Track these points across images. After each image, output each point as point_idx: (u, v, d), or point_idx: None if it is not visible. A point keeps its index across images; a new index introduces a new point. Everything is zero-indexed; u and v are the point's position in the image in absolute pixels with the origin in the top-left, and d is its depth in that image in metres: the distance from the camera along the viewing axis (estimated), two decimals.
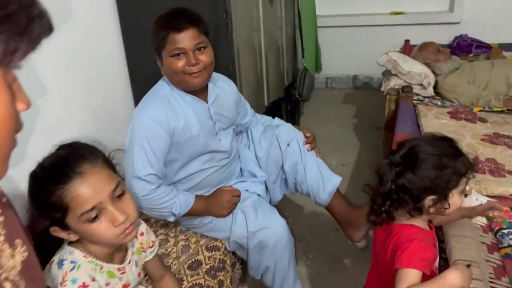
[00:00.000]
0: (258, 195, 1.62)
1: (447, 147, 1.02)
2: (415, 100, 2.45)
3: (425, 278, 1.03)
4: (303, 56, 2.87)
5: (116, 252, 0.97)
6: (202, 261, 1.42)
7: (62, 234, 0.86)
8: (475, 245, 1.19)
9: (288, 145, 1.66)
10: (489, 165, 1.66)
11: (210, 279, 1.37)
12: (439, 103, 2.46)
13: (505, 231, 1.25)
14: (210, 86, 1.49)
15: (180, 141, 1.40)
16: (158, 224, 1.64)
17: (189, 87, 1.40)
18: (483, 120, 2.11)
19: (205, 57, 1.36)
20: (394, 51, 2.74)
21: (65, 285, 0.85)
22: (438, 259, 1.10)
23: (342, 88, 4.49)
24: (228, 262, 1.50)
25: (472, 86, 2.49)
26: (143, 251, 1.08)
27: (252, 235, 1.45)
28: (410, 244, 1.01)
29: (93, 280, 0.89)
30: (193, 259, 1.42)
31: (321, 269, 2.02)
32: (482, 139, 1.89)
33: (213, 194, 1.53)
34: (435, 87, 2.60)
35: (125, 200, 0.89)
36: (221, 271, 1.44)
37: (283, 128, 1.71)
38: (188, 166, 1.49)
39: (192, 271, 1.37)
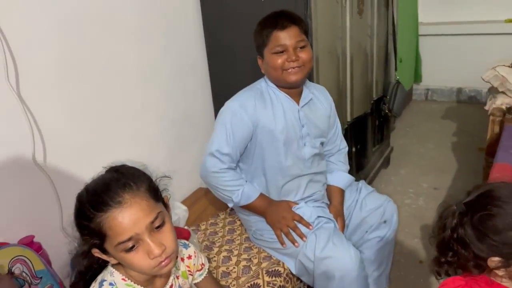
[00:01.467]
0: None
1: None
2: None
3: None
4: (396, 68, 2.67)
5: (157, 276, 0.96)
6: (261, 285, 1.36)
7: (103, 256, 0.88)
8: None
9: (385, 222, 1.60)
10: None
11: None
12: None
13: None
14: (305, 90, 1.53)
15: (264, 132, 1.45)
16: (224, 239, 1.63)
17: (286, 83, 1.44)
18: None
19: (305, 55, 1.41)
20: (504, 65, 2.42)
21: None
22: None
23: (444, 102, 4.14)
24: None
25: None
26: (190, 274, 1.06)
27: (319, 261, 1.37)
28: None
29: None
30: (252, 282, 1.37)
31: None
32: None
33: (278, 202, 1.52)
34: None
35: (164, 231, 0.87)
36: None
37: (391, 204, 1.64)
38: (269, 167, 1.50)
39: None
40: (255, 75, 1.56)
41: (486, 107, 2.38)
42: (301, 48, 1.40)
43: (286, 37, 1.38)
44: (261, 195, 1.50)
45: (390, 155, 2.99)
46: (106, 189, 0.82)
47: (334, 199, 1.61)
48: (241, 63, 1.89)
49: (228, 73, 1.97)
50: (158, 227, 0.86)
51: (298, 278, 1.51)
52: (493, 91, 2.44)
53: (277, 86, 1.48)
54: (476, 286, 0.87)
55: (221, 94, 2.02)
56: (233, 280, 1.39)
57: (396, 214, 1.64)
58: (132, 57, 1.66)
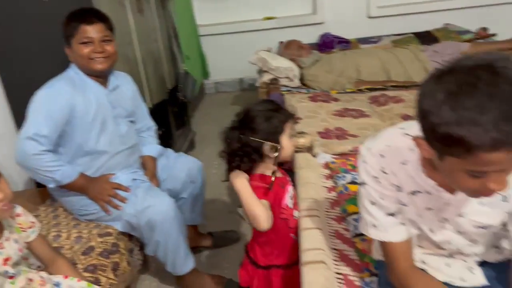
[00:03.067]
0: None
1: (270, 104, 1.33)
2: (285, 91, 2.79)
3: (275, 208, 1.30)
4: (183, 61, 3.08)
5: None
6: (94, 246, 1.54)
7: None
8: (317, 189, 1.49)
9: (192, 181, 1.97)
10: (337, 132, 2.02)
11: (104, 259, 1.50)
12: (305, 91, 2.83)
13: (340, 175, 1.58)
14: (111, 78, 1.74)
15: (79, 116, 1.60)
16: (50, 225, 1.72)
17: (93, 71, 1.64)
18: (336, 100, 2.51)
19: (110, 48, 1.65)
20: (263, 50, 3.08)
21: None
22: (289, 199, 1.37)
23: (231, 91, 4.79)
24: (122, 245, 1.63)
25: (330, 74, 2.90)
26: (22, 230, 1.20)
27: (141, 213, 1.62)
28: None
29: None
30: (86, 246, 1.54)
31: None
32: (333, 114, 2.27)
33: (97, 178, 1.69)
34: (301, 79, 2.98)
35: (1, 182, 1.03)
36: (115, 254, 1.57)
37: (197, 165, 2.02)
38: (90, 147, 1.66)
39: (86, 256, 1.49)
40: (51, 71, 1.68)
41: (257, 84, 2.99)
42: (107, 41, 1.63)
43: (92, 31, 1.60)
44: (81, 173, 1.64)
45: (194, 139, 3.40)
46: None
47: (149, 166, 1.89)
48: (34, 62, 1.96)
49: (22, 74, 2.00)
50: None
51: (129, 237, 1.73)
52: (260, 71, 3.08)
53: (85, 73, 1.66)
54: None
55: (18, 95, 2.03)
56: (67, 251, 1.53)
57: (202, 172, 2.02)
58: None
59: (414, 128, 0.82)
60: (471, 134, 0.67)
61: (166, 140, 2.69)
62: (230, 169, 1.35)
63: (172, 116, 2.83)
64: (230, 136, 1.31)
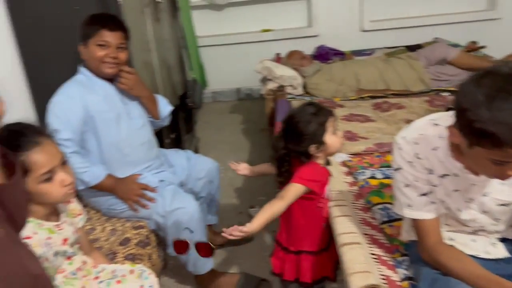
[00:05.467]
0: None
1: (310, 108, 1.41)
2: (290, 98, 2.94)
3: (316, 197, 1.40)
4: (191, 69, 3.21)
5: (50, 215, 1.18)
6: (130, 237, 1.62)
7: None
8: (340, 183, 1.63)
9: (211, 181, 2.10)
10: (348, 135, 2.17)
11: (141, 249, 1.58)
12: (309, 99, 2.97)
13: (359, 171, 1.71)
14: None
15: (95, 115, 1.70)
16: None
17: (102, 73, 1.72)
18: (341, 106, 2.66)
19: (123, 56, 1.72)
20: (268, 59, 3.22)
21: None
22: (329, 190, 1.48)
23: (228, 101, 4.92)
24: (152, 239, 1.72)
25: (331, 83, 3.06)
26: (73, 216, 1.29)
27: (169, 214, 1.71)
28: (305, 167, 1.39)
29: (35, 233, 1.10)
30: (122, 238, 1.62)
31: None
32: (341, 119, 2.41)
33: (124, 178, 1.76)
34: (304, 87, 3.13)
35: (67, 166, 1.14)
36: (149, 246, 1.66)
37: (215, 167, 2.16)
38: (112, 138, 1.74)
39: (124, 246, 1.57)
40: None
41: (262, 92, 3.13)
42: (122, 49, 1.71)
43: (111, 37, 1.68)
44: (108, 174, 1.73)
45: (198, 144, 3.51)
46: (22, 134, 1.03)
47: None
48: (61, 68, 2.04)
49: (50, 79, 2.07)
50: (63, 163, 1.10)
51: (156, 234, 1.81)
52: (264, 80, 3.22)
53: (93, 74, 1.73)
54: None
55: (46, 101, 2.10)
56: (104, 242, 1.61)
57: (218, 173, 2.14)
58: None
59: (443, 119, 0.98)
60: (502, 132, 0.83)
61: (177, 144, 2.79)
62: (280, 174, 1.45)
63: (182, 123, 2.94)
64: (277, 144, 1.42)
